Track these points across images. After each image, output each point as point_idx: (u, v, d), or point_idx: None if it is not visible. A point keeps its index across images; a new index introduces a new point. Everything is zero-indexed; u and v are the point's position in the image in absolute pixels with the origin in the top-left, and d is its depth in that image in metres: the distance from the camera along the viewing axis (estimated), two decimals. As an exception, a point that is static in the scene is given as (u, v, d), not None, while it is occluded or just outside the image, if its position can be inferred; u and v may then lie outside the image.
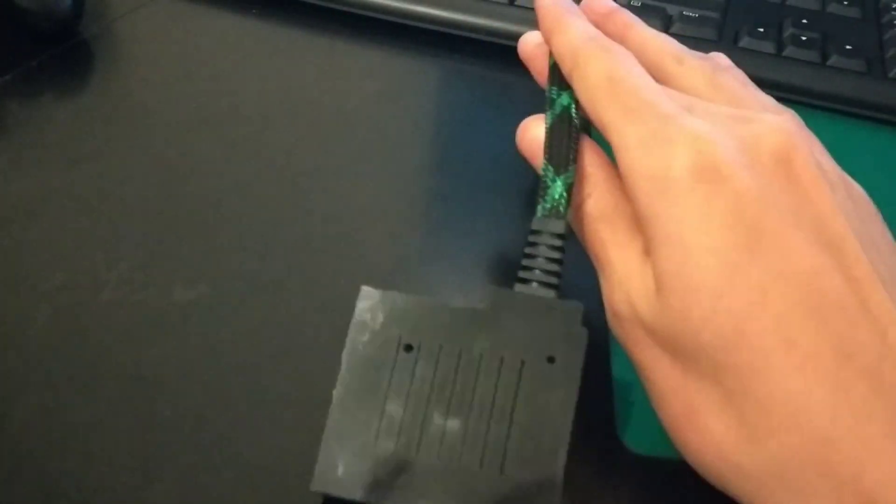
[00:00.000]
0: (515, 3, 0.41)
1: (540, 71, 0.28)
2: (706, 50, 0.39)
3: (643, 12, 0.41)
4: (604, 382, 0.26)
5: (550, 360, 0.22)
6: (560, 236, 0.23)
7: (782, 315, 0.20)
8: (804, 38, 0.40)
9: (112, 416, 0.24)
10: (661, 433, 0.24)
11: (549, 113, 0.26)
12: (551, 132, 0.25)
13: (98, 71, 0.38)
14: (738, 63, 0.39)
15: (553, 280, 0.23)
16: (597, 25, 0.28)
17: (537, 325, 0.22)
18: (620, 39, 0.27)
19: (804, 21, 0.41)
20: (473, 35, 0.41)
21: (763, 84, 0.39)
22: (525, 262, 0.23)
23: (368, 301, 0.22)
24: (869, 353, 0.19)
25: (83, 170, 0.32)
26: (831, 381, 0.19)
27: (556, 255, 0.23)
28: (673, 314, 0.21)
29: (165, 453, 0.23)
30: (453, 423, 0.21)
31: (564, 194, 0.24)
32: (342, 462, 0.21)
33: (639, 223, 0.23)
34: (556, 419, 0.21)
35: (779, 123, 0.22)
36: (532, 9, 0.41)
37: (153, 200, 0.31)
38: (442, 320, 0.22)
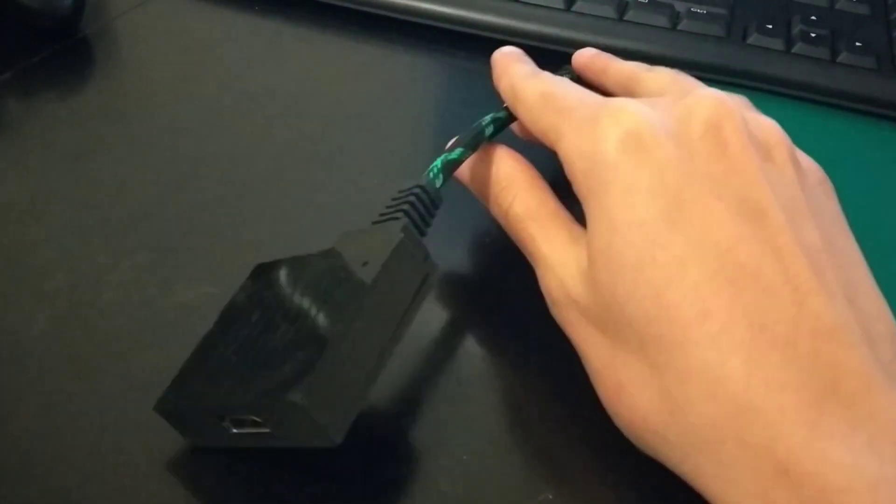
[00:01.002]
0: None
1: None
2: (714, 46, 0.39)
3: (651, 9, 0.40)
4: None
5: (364, 264, 0.22)
6: (419, 187, 0.25)
7: (699, 285, 0.20)
8: (813, 35, 0.39)
9: (116, 418, 0.24)
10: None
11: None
12: (466, 132, 0.27)
13: (99, 68, 0.38)
14: (746, 60, 0.39)
15: (397, 215, 0.24)
16: (583, 69, 0.31)
17: (364, 243, 0.23)
18: (603, 74, 0.30)
19: (813, 18, 0.41)
20: (479, 32, 0.41)
21: (772, 81, 0.39)
22: (384, 209, 0.25)
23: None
24: (784, 322, 0.19)
25: (84, 168, 0.32)
26: (745, 351, 0.19)
27: (409, 199, 0.24)
28: (602, 290, 0.22)
29: (169, 453, 0.23)
30: (268, 332, 0.22)
31: (438, 164, 0.26)
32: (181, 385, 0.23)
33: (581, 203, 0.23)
34: (348, 307, 0.21)
35: (712, 94, 0.23)
36: (537, 5, 0.40)
37: (155, 199, 0.31)
38: (296, 263, 0.24)
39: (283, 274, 0.24)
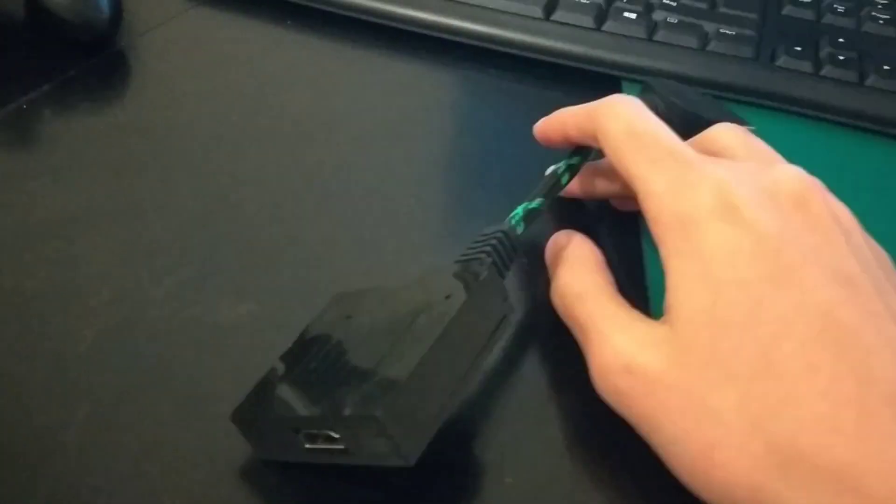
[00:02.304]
0: (551, 18, 0.41)
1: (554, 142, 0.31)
2: (743, 68, 0.40)
3: (679, 30, 0.41)
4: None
5: (447, 297, 0.23)
6: (502, 231, 0.26)
7: (805, 343, 0.21)
8: (841, 58, 0.40)
9: (163, 436, 0.24)
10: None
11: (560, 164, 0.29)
12: (546, 177, 0.29)
13: (135, 82, 0.38)
14: (775, 82, 0.39)
15: (481, 256, 0.25)
16: None
17: (447, 279, 0.24)
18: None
19: (841, 40, 0.41)
20: (509, 50, 0.41)
21: (800, 103, 0.39)
22: (465, 250, 0.26)
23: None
24: (889, 381, 0.20)
25: (125, 183, 0.32)
26: (856, 405, 0.20)
27: (491, 242, 0.25)
28: (696, 351, 0.22)
29: (217, 471, 0.23)
30: (349, 354, 0.23)
31: (520, 212, 0.27)
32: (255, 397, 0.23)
33: (665, 269, 0.24)
34: (431, 334, 0.22)
35: (795, 171, 0.24)
36: (567, 24, 0.41)
37: (196, 216, 0.31)
38: (377, 293, 0.25)
39: (364, 302, 0.25)
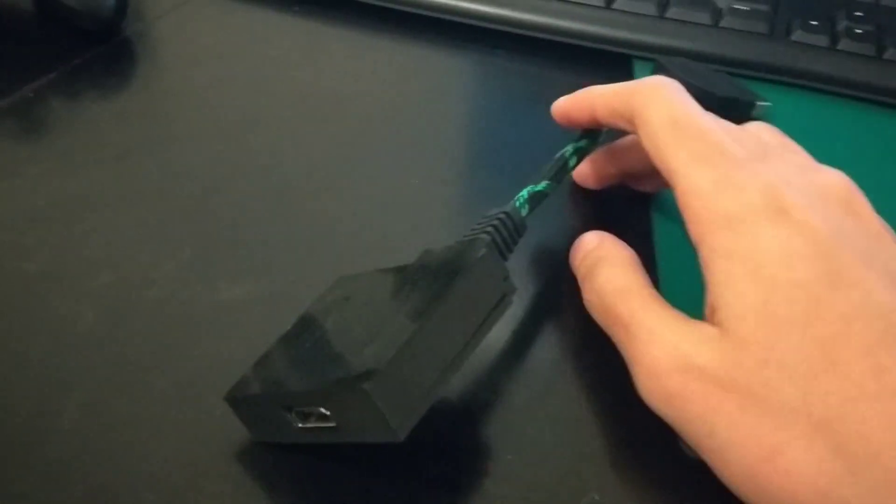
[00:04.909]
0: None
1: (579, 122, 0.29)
2: (757, 43, 0.39)
3: (693, 7, 0.40)
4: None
5: (445, 274, 0.22)
6: (504, 212, 0.25)
7: (870, 344, 0.20)
8: (859, 31, 0.39)
9: (162, 415, 0.24)
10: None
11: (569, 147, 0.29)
12: (550, 164, 0.28)
13: (141, 69, 0.38)
14: (790, 56, 0.38)
15: (482, 235, 0.24)
16: None
17: (446, 257, 0.23)
18: None
19: (858, 14, 0.40)
20: (518, 31, 0.40)
21: (816, 78, 0.38)
22: (468, 231, 0.25)
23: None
24: None
25: (128, 167, 0.32)
26: None
27: (493, 222, 0.25)
28: (751, 350, 0.21)
29: (214, 451, 0.23)
30: (344, 333, 0.22)
31: (525, 194, 0.27)
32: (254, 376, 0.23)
33: (709, 268, 0.23)
34: (425, 310, 0.21)
35: (841, 175, 0.24)
36: (577, 3, 0.40)
37: (198, 198, 0.31)
38: (377, 275, 0.25)
39: (363, 284, 0.25)
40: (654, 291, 0.24)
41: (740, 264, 0.22)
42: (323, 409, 0.21)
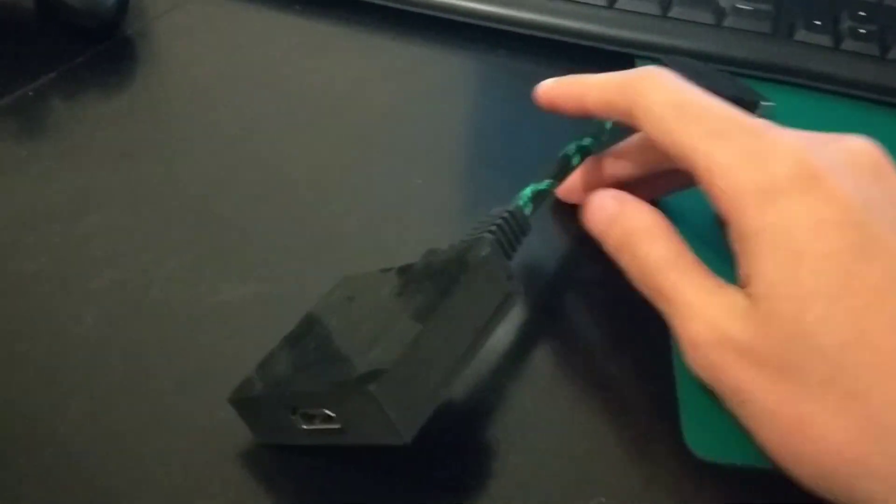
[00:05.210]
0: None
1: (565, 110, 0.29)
2: (760, 43, 0.39)
3: (695, 5, 0.40)
4: (670, 386, 0.25)
5: (448, 275, 0.22)
6: (508, 211, 0.25)
7: None
8: (862, 31, 0.39)
9: (165, 416, 0.24)
10: (730, 438, 0.24)
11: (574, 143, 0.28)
12: (552, 163, 0.28)
13: (142, 68, 0.38)
14: (793, 56, 0.38)
15: (485, 235, 0.24)
16: None
17: (449, 257, 0.23)
18: None
19: (861, 13, 0.40)
20: (520, 30, 0.40)
21: (820, 78, 0.38)
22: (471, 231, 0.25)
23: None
24: None
25: (129, 167, 0.32)
26: None
27: (497, 221, 0.25)
28: (780, 321, 0.21)
29: (217, 453, 0.23)
30: (348, 334, 0.22)
31: (528, 193, 0.26)
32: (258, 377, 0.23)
33: (740, 242, 0.23)
34: (429, 311, 0.21)
35: (867, 141, 0.23)
36: (578, 2, 0.40)
37: (200, 198, 0.31)
38: (380, 275, 0.24)
39: (367, 283, 0.24)
40: (690, 258, 0.24)
41: (770, 238, 0.22)
42: (328, 411, 0.21)
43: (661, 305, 0.24)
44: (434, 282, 0.22)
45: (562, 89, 0.29)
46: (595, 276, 0.28)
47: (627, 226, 0.26)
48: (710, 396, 0.24)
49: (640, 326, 0.27)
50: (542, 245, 0.30)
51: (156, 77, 0.37)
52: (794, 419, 0.21)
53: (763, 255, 0.22)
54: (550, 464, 0.23)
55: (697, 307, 0.23)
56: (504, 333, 0.27)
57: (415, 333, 0.20)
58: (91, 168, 0.32)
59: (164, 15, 0.41)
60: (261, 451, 0.23)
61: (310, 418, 0.21)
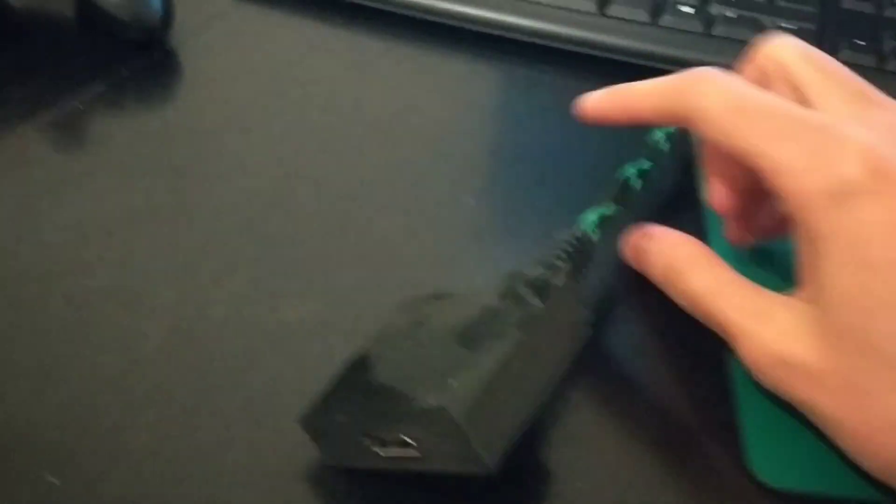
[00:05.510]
0: (605, 12, 0.40)
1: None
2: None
3: (738, 24, 0.40)
4: (729, 412, 0.25)
5: (526, 303, 0.22)
6: (578, 237, 0.25)
7: None
8: (905, 52, 0.39)
9: (230, 435, 0.24)
10: (795, 465, 0.24)
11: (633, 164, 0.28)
12: (620, 180, 0.28)
13: (188, 80, 0.38)
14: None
15: (558, 263, 0.24)
16: None
17: (525, 284, 0.23)
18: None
19: (904, 34, 0.40)
20: (562, 46, 0.40)
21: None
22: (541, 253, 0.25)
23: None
24: None
25: (181, 183, 0.32)
26: None
27: (567, 248, 0.25)
28: (847, 335, 0.21)
29: (284, 473, 0.23)
30: (424, 358, 0.22)
31: (595, 219, 0.26)
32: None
33: (808, 245, 0.22)
34: (511, 338, 0.21)
35: None
36: (621, 18, 0.40)
37: (254, 215, 0.31)
38: (449, 298, 0.25)
39: (436, 307, 0.24)
40: (739, 282, 0.24)
41: (841, 243, 0.21)
42: (406, 437, 0.21)
43: (717, 331, 0.25)
44: (510, 312, 0.22)
45: (611, 100, 0.28)
46: (650, 301, 0.28)
47: (667, 259, 0.26)
48: (773, 422, 0.24)
49: (697, 352, 0.27)
50: (596, 268, 0.30)
51: (202, 90, 0.37)
52: (863, 428, 0.21)
53: (832, 262, 0.21)
54: (610, 491, 0.23)
55: (752, 332, 0.23)
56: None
57: (498, 363, 0.20)
58: (142, 183, 0.32)
59: (206, 27, 0.41)
60: (328, 473, 0.23)
61: (384, 443, 0.21)
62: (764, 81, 0.26)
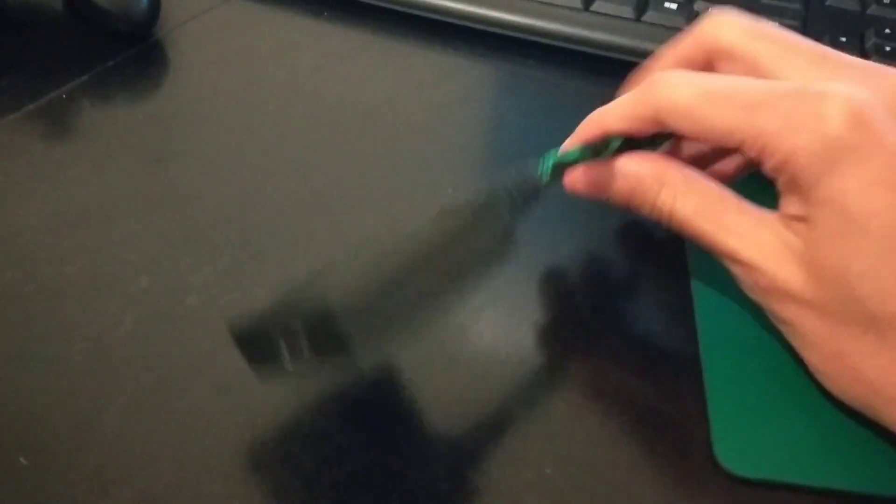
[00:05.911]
0: (590, 8, 0.41)
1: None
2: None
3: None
4: (698, 402, 0.25)
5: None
6: (523, 175, 0.26)
7: None
8: (888, 49, 0.39)
9: (202, 420, 0.24)
10: (761, 454, 0.24)
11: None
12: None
13: (173, 72, 0.38)
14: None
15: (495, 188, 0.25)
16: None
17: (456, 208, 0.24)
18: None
19: (887, 31, 0.40)
20: (548, 41, 0.41)
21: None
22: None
23: None
24: None
25: (162, 172, 0.32)
26: None
27: (509, 181, 0.25)
28: (828, 272, 0.22)
29: (253, 457, 0.23)
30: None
31: (549, 162, 0.26)
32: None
33: (800, 193, 0.23)
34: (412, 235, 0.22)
35: None
36: (606, 14, 0.40)
37: (233, 204, 0.31)
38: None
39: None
40: (724, 200, 0.25)
41: (824, 190, 0.22)
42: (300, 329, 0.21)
43: (709, 251, 0.25)
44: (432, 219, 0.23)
45: (584, 131, 0.27)
46: (627, 290, 0.28)
47: (643, 182, 0.26)
48: (741, 411, 0.25)
49: (671, 342, 0.27)
50: (575, 260, 0.30)
51: (187, 82, 0.38)
52: (834, 351, 0.23)
53: (816, 206, 0.22)
54: (581, 476, 0.24)
55: (743, 256, 0.24)
56: (540, 347, 0.27)
57: (387, 255, 0.22)
58: (124, 172, 0.32)
59: (193, 19, 0.41)
60: (301, 457, 0.23)
61: (297, 352, 0.22)
62: (709, 66, 0.27)
